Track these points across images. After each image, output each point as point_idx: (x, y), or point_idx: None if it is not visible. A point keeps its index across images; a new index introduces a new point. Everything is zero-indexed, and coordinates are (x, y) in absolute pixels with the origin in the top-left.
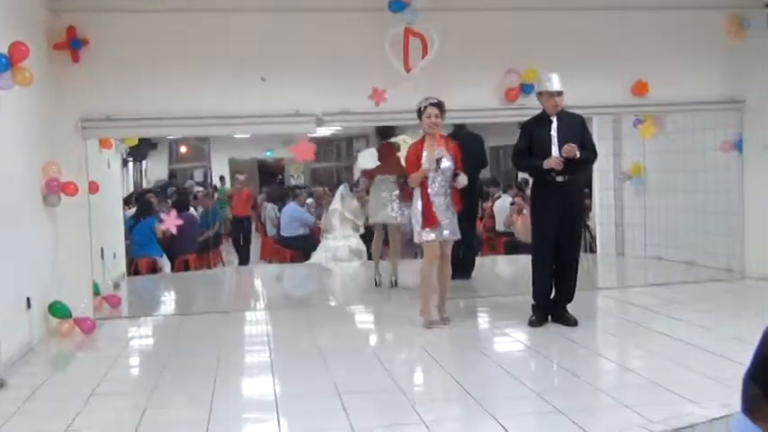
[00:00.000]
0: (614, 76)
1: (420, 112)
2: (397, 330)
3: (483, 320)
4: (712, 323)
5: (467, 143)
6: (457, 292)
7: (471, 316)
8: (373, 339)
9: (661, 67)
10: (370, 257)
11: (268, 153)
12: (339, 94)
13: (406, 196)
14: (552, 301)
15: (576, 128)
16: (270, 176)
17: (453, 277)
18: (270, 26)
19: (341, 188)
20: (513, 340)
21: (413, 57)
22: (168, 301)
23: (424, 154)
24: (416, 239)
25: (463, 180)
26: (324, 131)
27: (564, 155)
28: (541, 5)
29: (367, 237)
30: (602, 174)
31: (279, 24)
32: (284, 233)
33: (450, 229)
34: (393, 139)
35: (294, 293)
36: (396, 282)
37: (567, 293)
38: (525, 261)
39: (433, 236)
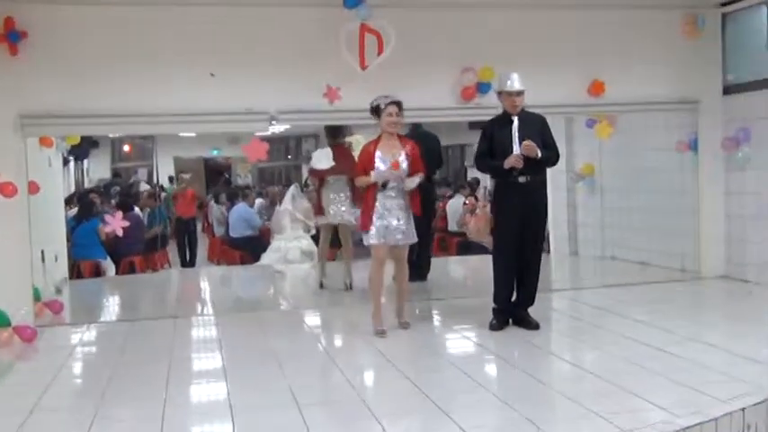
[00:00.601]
0: (571, 75)
1: (378, 111)
2: (353, 335)
3: (441, 324)
4: (671, 325)
5: (423, 143)
6: (413, 294)
7: (429, 319)
8: (329, 344)
9: (617, 67)
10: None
11: (215, 152)
12: (292, 92)
13: (357, 197)
14: (513, 304)
15: (536, 127)
16: (217, 176)
17: (409, 279)
18: (220, 20)
19: (291, 188)
20: (474, 345)
21: (368, 54)
22: (113, 307)
23: (378, 155)
24: (364, 241)
25: (411, 183)
26: (272, 130)
27: (523, 152)
28: (498, 3)
29: (318, 238)
30: (554, 174)
31: (229, 18)
32: (233, 234)
33: (404, 233)
34: (347, 139)
35: (244, 297)
36: (350, 284)
37: (529, 296)
38: (478, 262)
39: (376, 239)
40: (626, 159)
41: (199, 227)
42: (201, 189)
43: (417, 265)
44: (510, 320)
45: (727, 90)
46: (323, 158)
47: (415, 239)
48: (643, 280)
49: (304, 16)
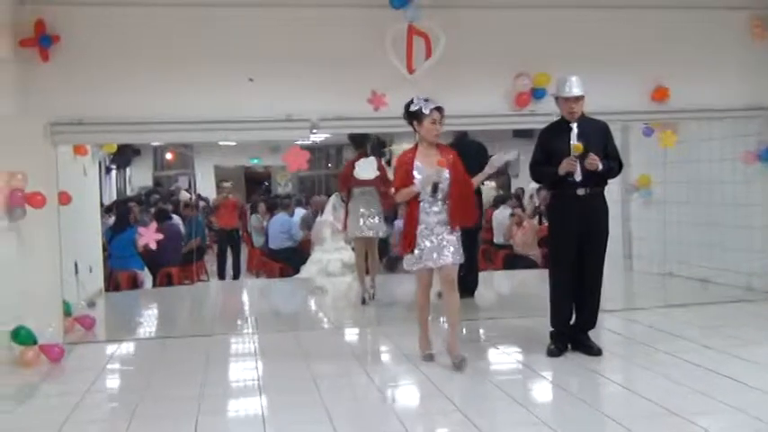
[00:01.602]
0: (633, 80)
1: (418, 116)
2: (398, 358)
3: (492, 347)
4: (748, 354)
5: (470, 152)
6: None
7: (477, 341)
8: (372, 368)
9: (681, 71)
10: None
11: (254, 161)
12: (335, 98)
13: (388, 206)
14: (572, 328)
15: (598, 135)
16: (256, 185)
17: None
18: (260, 22)
19: (332, 198)
20: (530, 371)
21: (416, 58)
22: (149, 322)
23: (417, 165)
24: (405, 266)
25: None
26: (313, 138)
27: (588, 167)
28: (555, 3)
29: None
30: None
31: (269, 20)
32: (272, 245)
33: (451, 252)
34: (394, 147)
35: (283, 313)
36: (373, 296)
37: (590, 319)
38: (526, 277)
39: (418, 264)
40: (686, 170)
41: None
42: (242, 198)
43: (464, 280)
44: (569, 345)
45: None
46: (368, 167)
47: (463, 259)
48: (707, 300)
49: (347, 17)
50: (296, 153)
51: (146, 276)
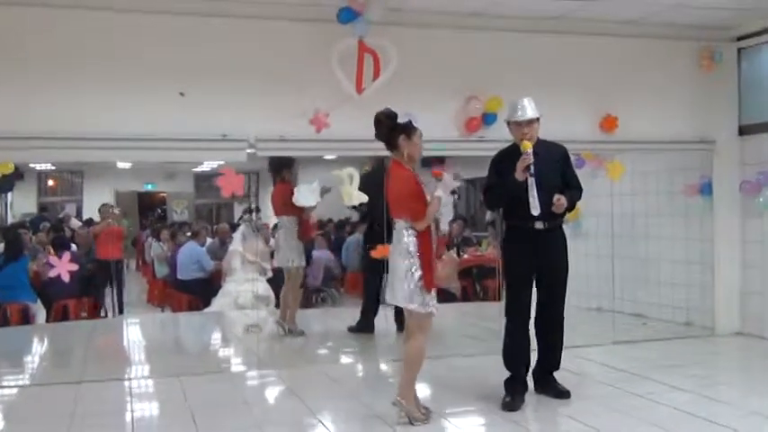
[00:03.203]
0: (583, 108)
1: (408, 130)
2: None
3: (448, 391)
4: (715, 393)
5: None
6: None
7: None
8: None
9: (629, 101)
10: (278, 305)
11: (149, 186)
12: (275, 117)
13: (305, 236)
14: (537, 369)
15: (556, 162)
16: (150, 211)
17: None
18: (193, 31)
19: (242, 227)
20: (500, 419)
21: (365, 76)
22: (30, 364)
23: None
24: (416, 307)
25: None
26: (210, 166)
27: (555, 211)
28: (509, 27)
29: (275, 281)
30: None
31: (205, 29)
32: (181, 276)
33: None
34: (336, 173)
35: (188, 352)
36: (290, 330)
37: (555, 358)
38: (452, 310)
39: (435, 305)
40: (617, 203)
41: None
42: (135, 225)
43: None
44: (524, 397)
45: (743, 130)
46: (308, 194)
47: None
48: (651, 336)
49: (290, 31)
50: (231, 177)
51: (38, 309)
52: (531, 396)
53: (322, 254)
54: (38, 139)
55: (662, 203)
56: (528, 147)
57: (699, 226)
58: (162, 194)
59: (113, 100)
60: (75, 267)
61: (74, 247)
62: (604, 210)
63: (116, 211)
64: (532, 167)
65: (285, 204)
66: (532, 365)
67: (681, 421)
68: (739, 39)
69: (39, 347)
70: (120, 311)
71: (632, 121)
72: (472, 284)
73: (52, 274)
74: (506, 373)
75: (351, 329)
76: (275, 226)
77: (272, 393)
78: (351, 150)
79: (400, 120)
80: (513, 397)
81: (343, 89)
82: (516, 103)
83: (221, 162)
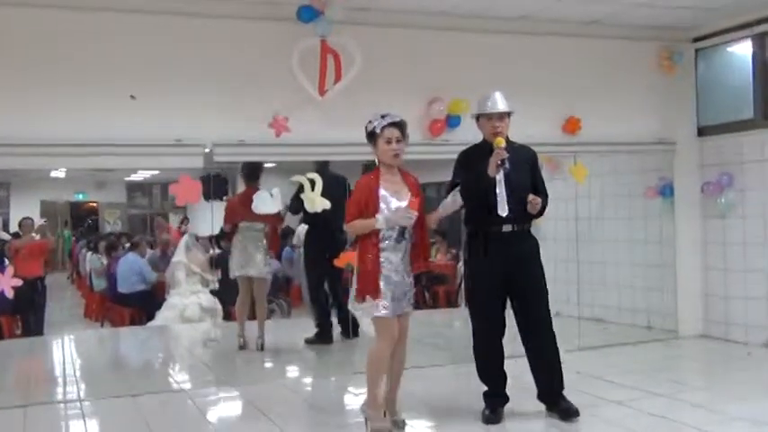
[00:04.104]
0: (546, 109)
1: (374, 136)
2: None
3: (431, 407)
4: (694, 397)
5: (332, 184)
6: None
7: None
8: None
9: (591, 102)
10: (226, 317)
11: (79, 196)
12: (232, 121)
13: (274, 246)
14: (543, 395)
15: (526, 166)
16: (82, 222)
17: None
18: (146, 30)
19: (185, 237)
20: None
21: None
22: None
23: (382, 193)
24: (367, 314)
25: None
26: (144, 174)
27: (531, 211)
28: (473, 27)
29: (221, 292)
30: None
31: (158, 29)
32: (122, 288)
33: (409, 298)
34: (295, 178)
35: (134, 371)
36: (262, 345)
37: (555, 376)
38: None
39: (388, 311)
40: (576, 206)
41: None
42: (66, 236)
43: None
44: (503, 409)
45: (701, 131)
46: (267, 200)
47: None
48: (615, 341)
49: (248, 31)
50: (187, 184)
51: None
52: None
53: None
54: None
55: (619, 206)
56: (501, 142)
57: (658, 228)
58: (92, 204)
59: (59, 102)
60: (19, 283)
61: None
62: (562, 213)
63: (43, 222)
64: (506, 162)
65: (251, 211)
66: (530, 387)
67: (668, 430)
68: (696, 40)
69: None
70: (39, 332)
71: (594, 123)
72: (422, 292)
73: None
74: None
75: (308, 341)
76: (220, 235)
77: (235, 411)
78: (312, 155)
79: (368, 127)
80: (492, 410)
81: (306, 91)
82: (487, 95)
83: (155, 171)
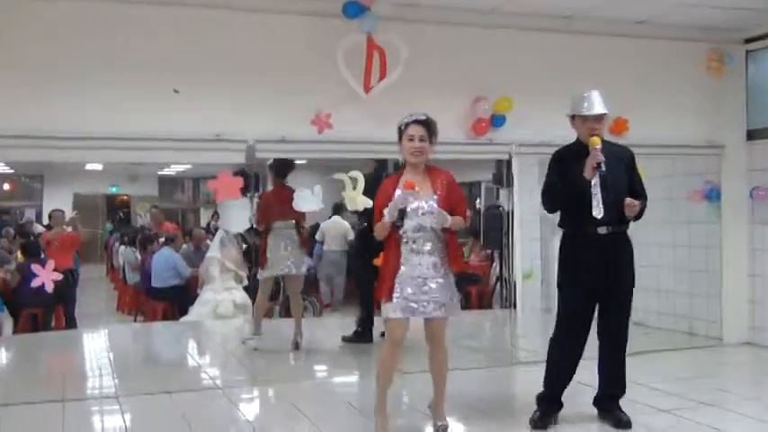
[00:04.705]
0: None
1: (399, 134)
2: None
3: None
4: (756, 411)
5: None
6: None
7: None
8: None
9: (638, 103)
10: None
11: (113, 189)
12: (275, 117)
13: (306, 243)
14: (599, 398)
15: (622, 165)
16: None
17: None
18: (189, 24)
19: (220, 232)
20: None
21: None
22: None
23: (398, 193)
24: (382, 313)
25: (443, 217)
26: (176, 168)
27: (628, 214)
28: (519, 25)
29: (252, 289)
30: (524, 222)
31: (201, 23)
32: (156, 283)
33: (440, 302)
34: (337, 176)
35: (169, 367)
36: (300, 344)
37: (619, 382)
38: None
39: (394, 312)
40: None
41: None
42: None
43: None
44: (557, 416)
45: (751, 135)
46: (308, 198)
47: (459, 311)
48: (656, 347)
49: (293, 26)
50: (227, 180)
51: (4, 320)
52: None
53: None
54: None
55: (662, 210)
56: (597, 142)
57: (703, 233)
58: (124, 197)
59: (104, 97)
60: (59, 277)
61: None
62: None
63: (73, 214)
64: (603, 165)
65: (284, 209)
66: (590, 390)
67: None
68: (747, 41)
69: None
70: (73, 326)
71: (641, 124)
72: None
73: (35, 283)
74: (522, 389)
75: (345, 339)
76: (249, 232)
77: (274, 411)
78: (355, 153)
79: (398, 125)
80: (543, 414)
81: (349, 88)
82: (582, 95)
83: (188, 165)
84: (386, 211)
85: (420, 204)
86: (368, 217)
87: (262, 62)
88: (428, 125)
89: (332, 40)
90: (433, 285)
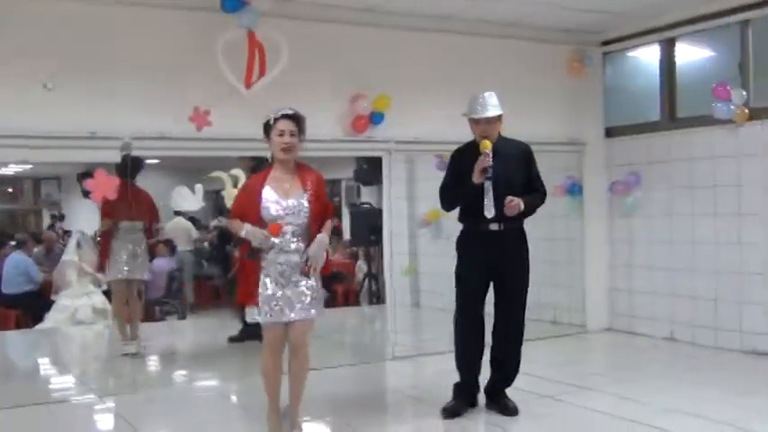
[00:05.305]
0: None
1: (267, 129)
2: None
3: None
4: (631, 392)
5: None
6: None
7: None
8: None
9: (508, 102)
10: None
11: None
12: (152, 114)
13: (155, 250)
14: (490, 384)
15: (518, 161)
16: None
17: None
18: (62, 16)
19: (76, 234)
20: None
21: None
22: None
23: (267, 190)
24: (247, 317)
25: (318, 257)
26: (14, 169)
27: (507, 213)
28: (397, 24)
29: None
30: (393, 219)
31: (75, 15)
32: (6, 290)
33: (305, 304)
34: (215, 174)
35: (23, 380)
36: (138, 350)
37: (510, 372)
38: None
39: (264, 316)
40: None
41: None
42: None
43: None
44: (469, 403)
45: (609, 132)
46: (188, 197)
47: (322, 312)
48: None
49: (171, 20)
50: (102, 179)
51: None
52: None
53: (164, 262)
54: None
55: None
56: (487, 146)
57: (564, 226)
58: None
59: None
60: None
61: None
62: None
63: None
64: (490, 171)
65: (135, 209)
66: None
67: (606, 424)
68: (604, 43)
69: None
70: None
71: (508, 122)
72: None
73: None
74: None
75: (232, 339)
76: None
77: (160, 417)
78: (235, 150)
79: (265, 121)
80: (456, 402)
81: (229, 84)
82: (476, 97)
83: (28, 165)
84: (247, 228)
85: (288, 203)
86: None
87: (138, 57)
88: (298, 120)
89: (210, 36)
90: (301, 289)
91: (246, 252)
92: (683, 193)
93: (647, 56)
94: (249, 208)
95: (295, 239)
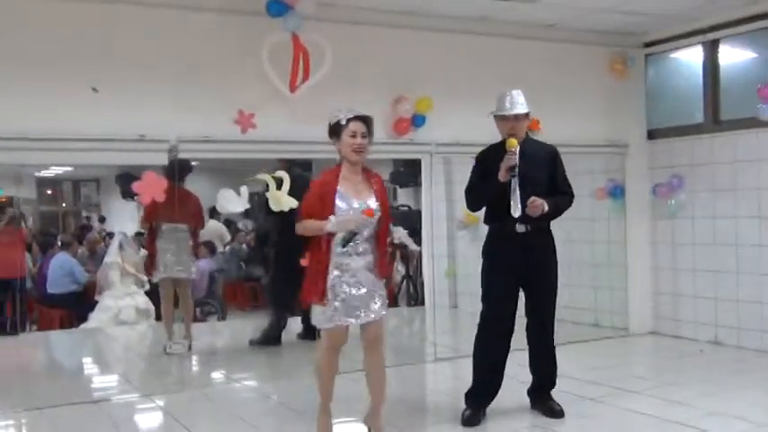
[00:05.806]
0: None
1: (337, 131)
2: None
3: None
4: (676, 395)
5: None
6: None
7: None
8: None
9: (549, 104)
10: (158, 318)
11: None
12: (198, 117)
13: (198, 251)
14: (531, 390)
15: (543, 163)
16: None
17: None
18: (109, 20)
19: (119, 236)
20: None
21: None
22: None
23: (340, 192)
24: (312, 320)
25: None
26: (55, 171)
27: (530, 214)
28: (436, 26)
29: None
30: (432, 221)
31: (122, 18)
32: (52, 290)
33: (377, 304)
34: (259, 176)
35: (68, 379)
36: (190, 347)
37: (550, 375)
38: None
39: (330, 321)
40: None
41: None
42: None
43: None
44: (485, 411)
45: (651, 135)
46: (233, 199)
47: (386, 310)
48: (566, 339)
49: (216, 23)
50: (151, 181)
51: None
52: (514, 412)
53: (206, 263)
54: None
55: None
56: (514, 144)
57: (606, 229)
58: (2, 199)
59: (18, 97)
60: None
61: None
62: None
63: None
64: (516, 169)
65: (180, 211)
66: (522, 382)
67: (651, 427)
68: (647, 45)
69: None
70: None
71: (550, 124)
72: None
73: None
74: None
75: (253, 342)
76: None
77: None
78: (280, 153)
79: (332, 121)
80: (472, 410)
81: (273, 87)
82: (504, 94)
83: (68, 168)
84: (334, 220)
85: (361, 204)
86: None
87: (184, 60)
88: (369, 123)
89: (256, 39)
90: (371, 288)
91: (331, 243)
92: (726, 196)
93: (690, 57)
94: (323, 208)
95: (366, 244)
